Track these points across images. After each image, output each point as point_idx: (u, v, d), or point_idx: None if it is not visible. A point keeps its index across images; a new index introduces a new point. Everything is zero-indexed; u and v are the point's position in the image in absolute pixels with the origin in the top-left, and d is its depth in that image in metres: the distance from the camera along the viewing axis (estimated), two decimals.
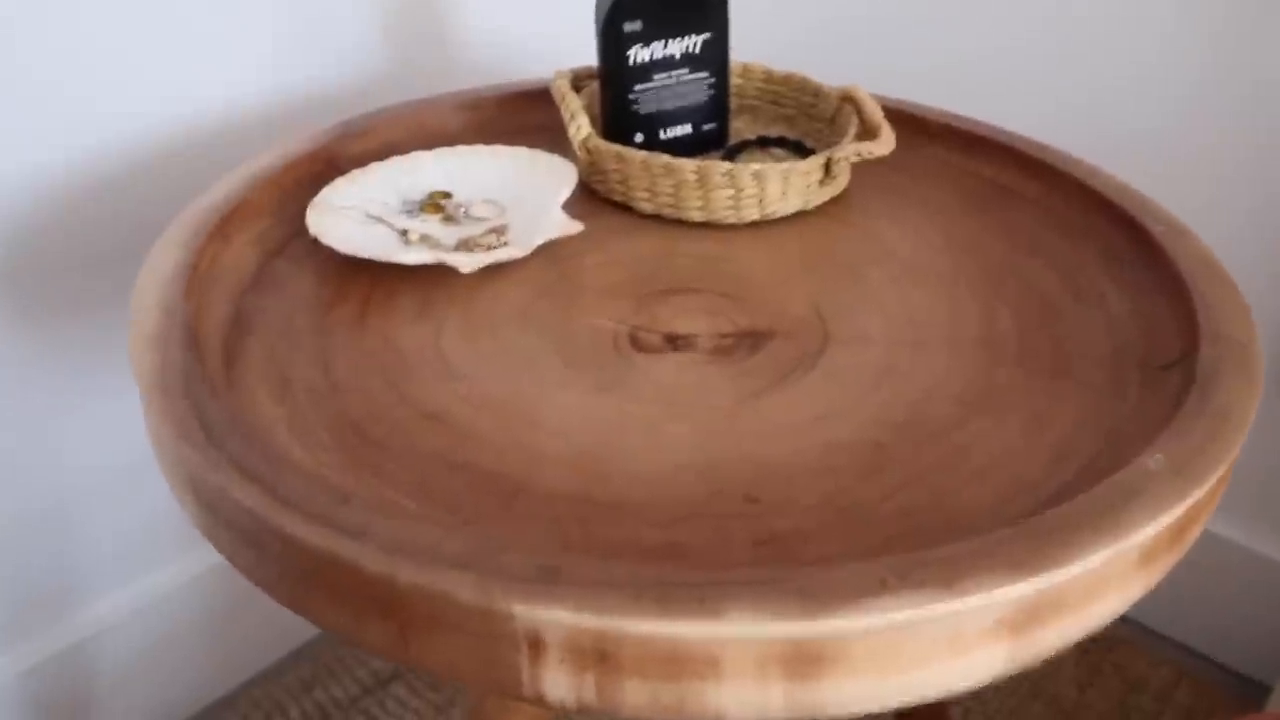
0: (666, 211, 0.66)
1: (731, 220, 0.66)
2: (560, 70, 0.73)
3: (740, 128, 0.77)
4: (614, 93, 0.70)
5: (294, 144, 0.69)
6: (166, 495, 0.89)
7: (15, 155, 0.71)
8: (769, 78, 0.78)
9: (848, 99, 0.72)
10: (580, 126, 0.67)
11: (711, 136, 0.74)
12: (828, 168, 0.66)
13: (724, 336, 0.56)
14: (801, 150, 0.74)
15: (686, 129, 0.72)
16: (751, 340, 0.56)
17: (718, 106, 0.73)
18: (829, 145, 0.73)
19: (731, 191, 0.65)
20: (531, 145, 0.70)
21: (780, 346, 0.55)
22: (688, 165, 0.64)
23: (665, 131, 0.72)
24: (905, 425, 0.49)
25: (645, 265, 0.62)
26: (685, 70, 0.70)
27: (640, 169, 0.65)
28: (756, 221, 0.66)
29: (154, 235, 0.78)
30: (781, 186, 0.65)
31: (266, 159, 0.67)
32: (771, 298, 0.59)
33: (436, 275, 0.59)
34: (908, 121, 0.76)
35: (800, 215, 0.67)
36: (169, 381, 0.46)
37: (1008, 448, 0.48)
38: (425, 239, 0.62)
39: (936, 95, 0.97)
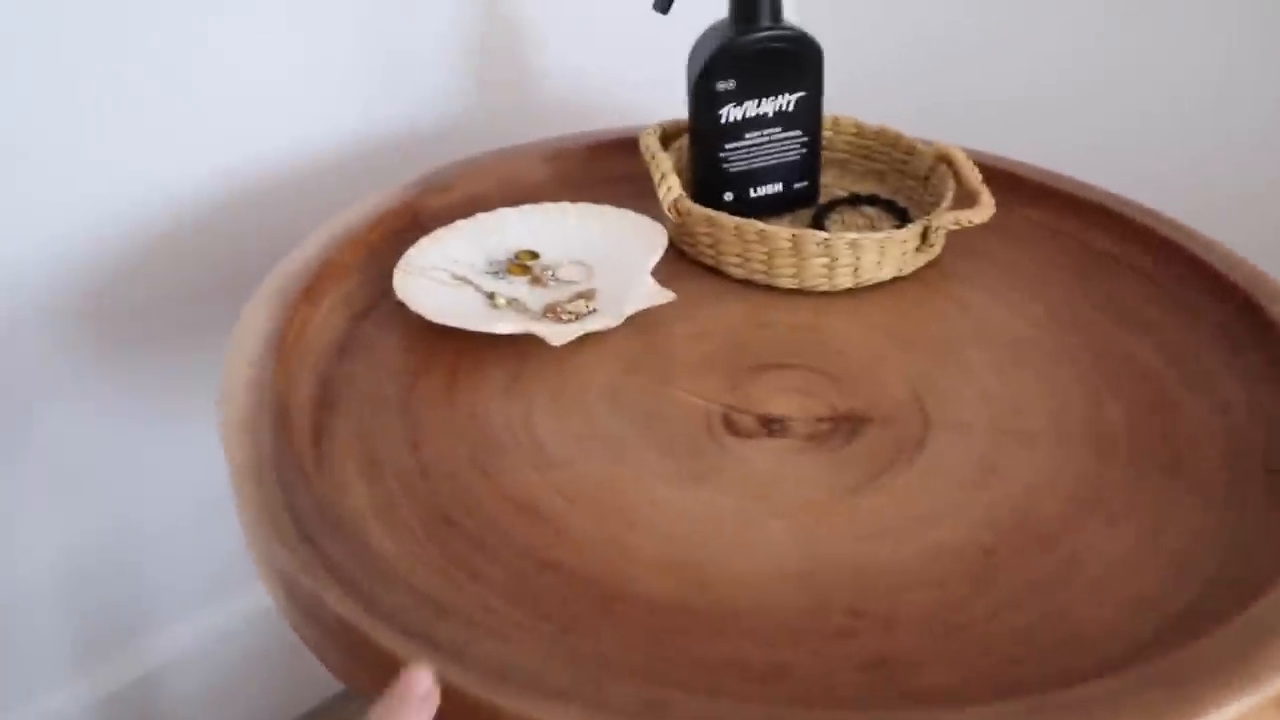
0: (758, 277, 0.65)
1: (824, 288, 0.64)
2: (648, 127, 0.71)
3: (829, 183, 0.75)
4: (704, 151, 0.68)
5: (378, 199, 0.68)
6: (237, 530, 0.89)
7: (113, 192, 0.71)
8: (859, 132, 0.76)
9: (943, 159, 0.70)
10: (670, 188, 0.65)
11: (802, 195, 0.72)
12: (925, 235, 0.64)
13: (820, 420, 0.54)
14: (894, 210, 0.72)
15: (777, 187, 0.71)
16: (849, 425, 0.54)
17: (809, 165, 0.71)
18: (922, 204, 0.71)
19: (826, 260, 0.63)
20: (617, 197, 0.69)
21: (878, 434, 0.53)
22: (782, 234, 0.62)
23: (755, 190, 0.70)
24: (1013, 528, 0.47)
25: (736, 335, 0.60)
26: (778, 129, 0.68)
27: (732, 235, 0.63)
28: (850, 289, 0.64)
29: (238, 277, 0.78)
30: (878, 256, 0.63)
31: (352, 215, 0.66)
32: (867, 376, 0.57)
33: (524, 343, 0.57)
34: (1002, 179, 0.73)
35: (894, 282, 0.65)
36: (262, 472, 0.45)
37: (1123, 557, 0.46)
38: (512, 303, 0.61)
39: (1011, 143, 0.94)
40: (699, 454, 0.52)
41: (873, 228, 0.70)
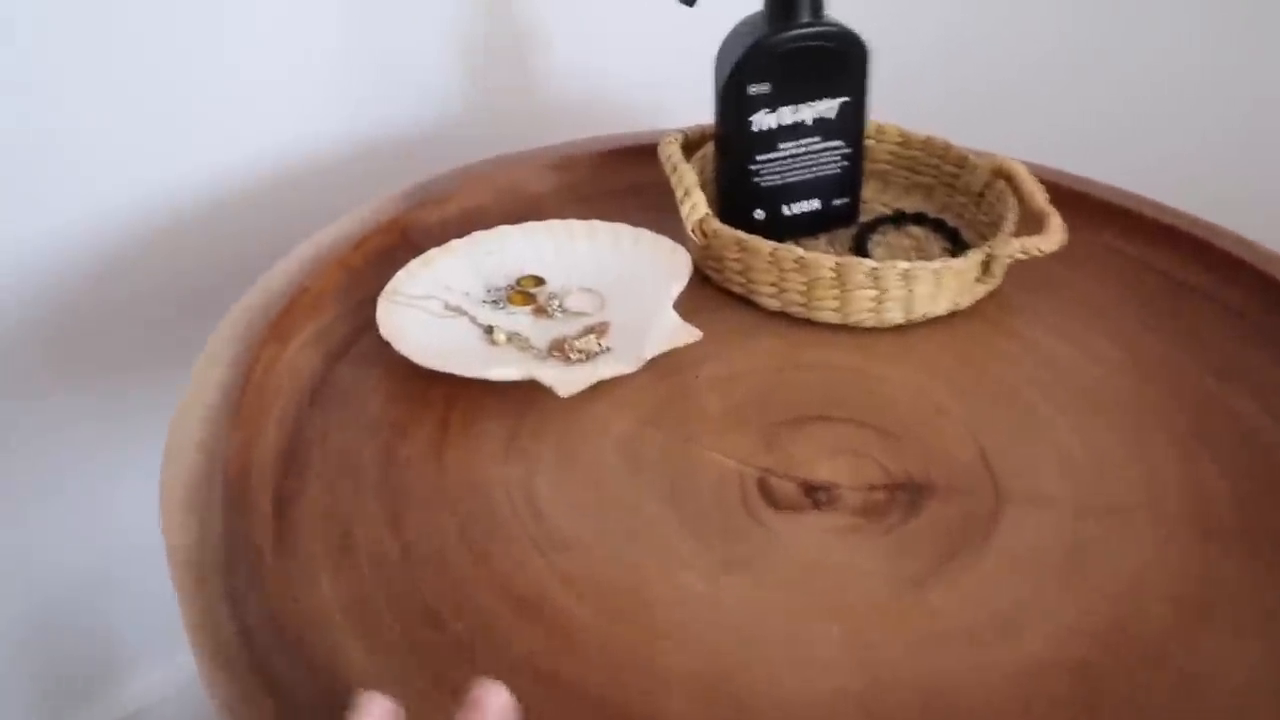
0: (795, 309, 0.57)
1: (871, 324, 0.56)
2: (669, 134, 0.63)
3: (869, 198, 0.67)
4: (733, 162, 0.60)
5: (364, 214, 0.60)
6: None
7: (66, 208, 0.63)
8: (905, 141, 0.68)
9: (1001, 174, 0.62)
10: (695, 206, 0.57)
11: (842, 212, 0.63)
12: (987, 265, 0.56)
13: (874, 489, 0.46)
14: (943, 230, 0.63)
15: (814, 204, 0.62)
16: (908, 496, 0.46)
17: (851, 179, 0.63)
18: (975, 224, 0.63)
19: (875, 292, 0.55)
20: (632, 213, 0.61)
21: (942, 507, 0.45)
22: (824, 262, 0.54)
23: (790, 207, 0.62)
24: (1113, 636, 0.39)
25: (771, 380, 0.52)
26: (816, 138, 0.60)
27: (767, 262, 0.55)
28: (900, 325, 0.56)
29: (206, 295, 0.69)
30: (933, 288, 0.55)
31: (332, 233, 0.58)
32: (925, 432, 0.49)
33: (527, 386, 0.49)
34: (1067, 197, 0.65)
35: (950, 317, 0.57)
36: (205, 565, 0.37)
37: (1250, 679, 0.38)
38: (514, 338, 0.53)
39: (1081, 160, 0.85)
40: (734, 533, 0.44)
41: (920, 250, 0.61)
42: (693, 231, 0.57)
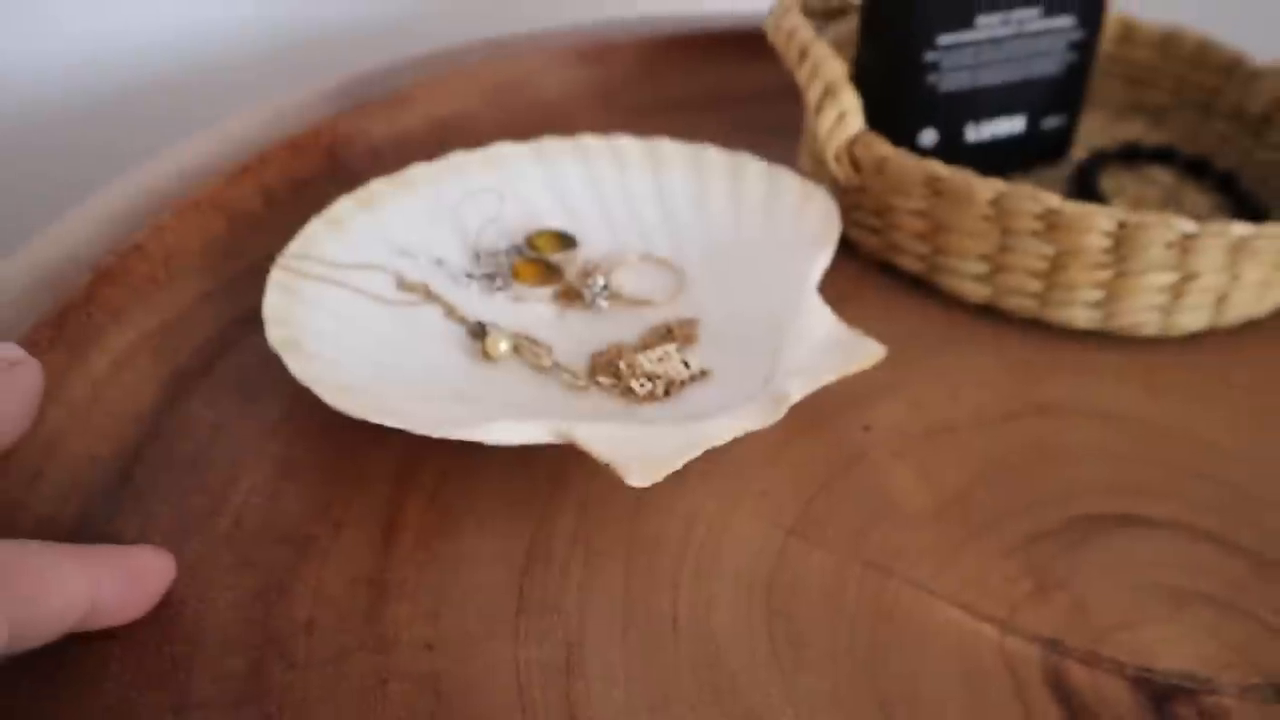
0: (1015, 305, 0.32)
1: (1151, 330, 0.32)
2: (777, 2, 0.38)
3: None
4: (893, 47, 0.35)
5: (259, 119, 0.35)
6: None
7: None
8: (1127, 36, 0.43)
9: None
10: (846, 114, 0.32)
11: (1052, 140, 0.39)
12: None
13: (1275, 689, 0.22)
14: (1207, 174, 0.39)
15: (1017, 124, 0.38)
16: None
17: (1074, 85, 0.38)
18: (1256, 167, 0.39)
19: (1174, 277, 0.30)
20: (704, 132, 0.36)
21: None
22: (1098, 221, 0.29)
23: (978, 126, 0.37)
24: None
25: (1003, 438, 0.28)
26: (1034, 11, 0.35)
27: (982, 219, 0.31)
28: (1194, 335, 0.32)
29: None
30: (1272, 271, 0.31)
31: (204, 147, 0.33)
32: None
33: (552, 454, 0.24)
34: None
35: (1263, 325, 0.33)
36: None
37: None
38: (524, 348, 0.28)
39: None
40: None
41: (1176, 205, 0.37)
42: (836, 159, 0.33)
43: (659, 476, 0.22)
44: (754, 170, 0.33)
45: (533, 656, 0.22)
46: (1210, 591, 0.24)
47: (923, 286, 0.33)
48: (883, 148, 0.32)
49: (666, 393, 0.27)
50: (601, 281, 0.31)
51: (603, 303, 0.31)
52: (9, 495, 0.23)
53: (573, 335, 0.30)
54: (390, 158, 0.36)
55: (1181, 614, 0.24)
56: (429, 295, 0.30)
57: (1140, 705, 0.22)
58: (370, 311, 0.28)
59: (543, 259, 0.32)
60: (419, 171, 0.33)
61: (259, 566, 0.23)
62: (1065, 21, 0.36)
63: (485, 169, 0.33)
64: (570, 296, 0.31)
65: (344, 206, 0.31)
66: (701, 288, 0.31)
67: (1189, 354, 0.32)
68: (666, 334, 0.30)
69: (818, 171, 0.36)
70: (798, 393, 0.25)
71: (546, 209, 0.33)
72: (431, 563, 0.23)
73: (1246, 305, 0.32)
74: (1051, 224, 0.30)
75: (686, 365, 0.28)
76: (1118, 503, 0.27)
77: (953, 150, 0.37)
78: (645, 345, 0.29)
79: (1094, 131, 0.43)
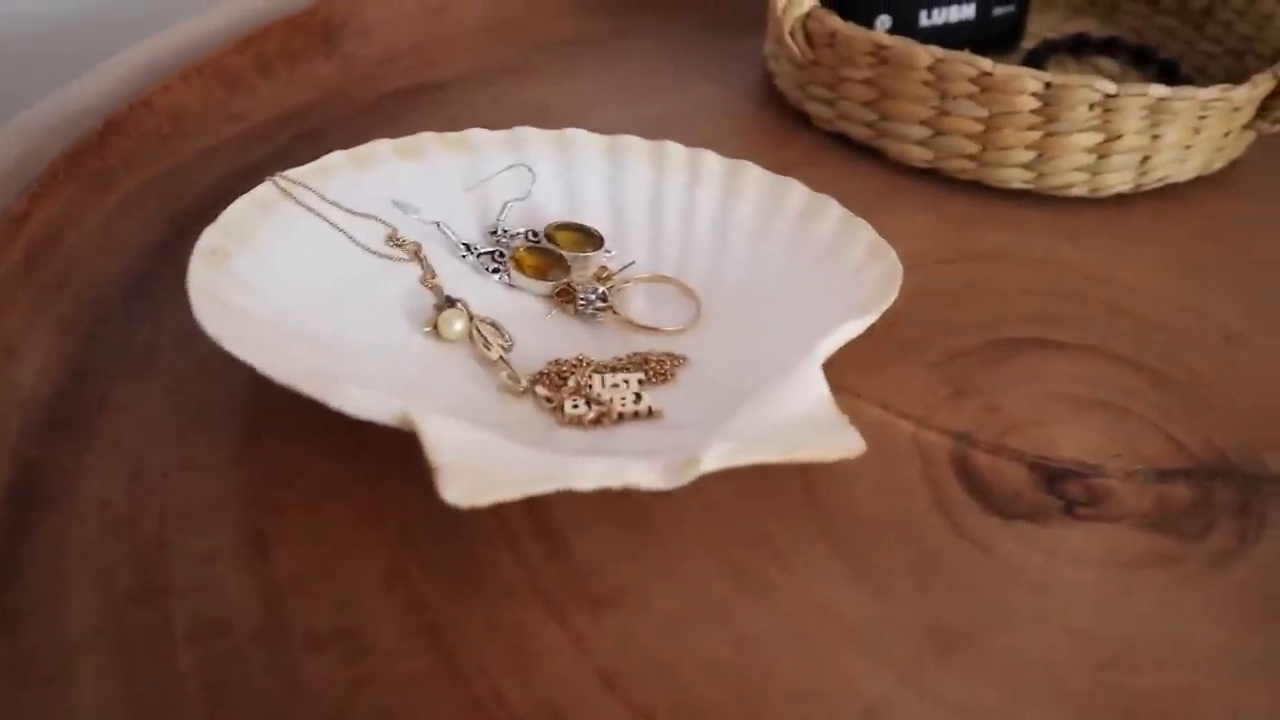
0: (956, 167, 0.35)
1: (1080, 191, 0.34)
2: None
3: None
4: None
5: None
6: None
7: None
8: None
9: None
10: None
11: (1002, 28, 0.42)
12: (1276, 98, 0.35)
13: (1165, 475, 0.25)
14: (1151, 63, 0.42)
15: (967, 11, 0.40)
16: (1231, 489, 0.25)
17: None
18: (1197, 59, 0.41)
19: (1098, 138, 0.33)
20: (689, 33, 0.38)
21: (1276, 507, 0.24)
22: (1026, 83, 0.32)
23: (931, 13, 0.40)
24: None
25: (940, 279, 0.31)
26: None
27: (922, 83, 0.33)
28: (1121, 195, 0.35)
29: None
30: (1187, 134, 0.33)
31: (210, 23, 0.35)
32: (1219, 373, 0.28)
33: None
34: None
35: (1191, 185, 0.36)
36: None
37: None
38: (478, 337, 0.27)
39: None
40: (929, 565, 0.22)
41: None
42: (791, 34, 0.35)
43: (482, 501, 0.19)
44: (832, 214, 0.30)
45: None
46: (1111, 399, 0.27)
47: (872, 153, 0.36)
48: (833, 21, 0.35)
49: (597, 422, 0.25)
50: (600, 290, 0.29)
51: (595, 314, 0.28)
52: (36, 301, 0.26)
53: (548, 338, 0.28)
54: (379, 38, 0.38)
55: (1082, 416, 0.27)
56: (417, 256, 0.29)
57: (1034, 484, 0.25)
58: (343, 255, 0.28)
59: (552, 251, 0.29)
60: (478, 135, 0.31)
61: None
62: None
63: (552, 150, 0.32)
64: (567, 298, 0.29)
65: (379, 148, 0.30)
66: (712, 329, 0.28)
67: (1113, 211, 0.34)
68: (642, 364, 0.27)
69: (778, 53, 0.38)
70: (716, 464, 0.21)
71: (592, 204, 0.31)
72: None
73: (1168, 167, 0.35)
74: (985, 86, 0.33)
75: (638, 399, 0.26)
76: (1037, 329, 0.29)
77: (907, 36, 0.40)
78: (612, 368, 0.27)
79: (1047, 26, 0.45)
